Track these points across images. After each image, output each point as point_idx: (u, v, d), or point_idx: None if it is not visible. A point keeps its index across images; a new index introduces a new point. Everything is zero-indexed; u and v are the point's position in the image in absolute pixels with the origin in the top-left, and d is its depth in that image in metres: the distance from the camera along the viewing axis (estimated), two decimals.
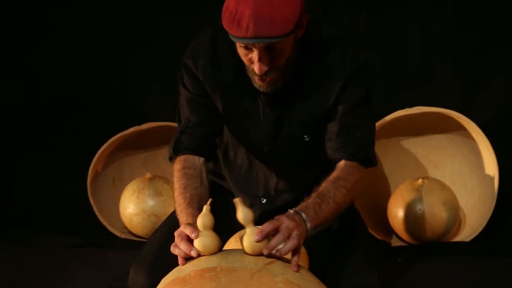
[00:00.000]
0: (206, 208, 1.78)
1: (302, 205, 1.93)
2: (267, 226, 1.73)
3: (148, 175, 3.59)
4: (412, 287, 2.65)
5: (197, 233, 1.74)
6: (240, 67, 2.08)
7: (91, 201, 3.64)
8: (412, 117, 3.36)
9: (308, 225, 1.86)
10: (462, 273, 2.81)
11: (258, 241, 1.71)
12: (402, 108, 3.36)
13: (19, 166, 4.10)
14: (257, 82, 2.07)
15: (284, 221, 1.78)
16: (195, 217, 1.91)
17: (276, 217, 1.80)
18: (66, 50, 4.10)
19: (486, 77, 3.66)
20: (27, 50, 4.16)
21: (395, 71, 3.78)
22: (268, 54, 1.95)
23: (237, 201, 1.75)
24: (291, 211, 1.86)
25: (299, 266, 1.76)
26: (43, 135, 4.12)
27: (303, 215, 1.86)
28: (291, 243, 1.75)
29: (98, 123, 4.02)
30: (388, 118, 3.35)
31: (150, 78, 4.04)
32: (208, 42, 2.20)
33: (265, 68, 1.97)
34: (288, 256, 1.75)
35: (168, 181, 3.55)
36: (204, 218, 1.76)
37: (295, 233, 1.76)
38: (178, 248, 1.76)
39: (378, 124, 3.33)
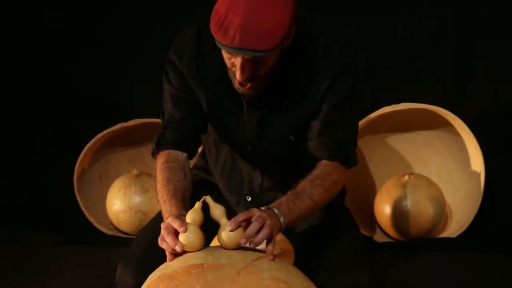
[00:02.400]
0: (198, 204, 1.80)
1: (275, 202, 1.96)
2: (239, 216, 1.76)
3: (134, 171, 3.59)
4: (399, 283, 2.65)
5: (185, 228, 1.76)
6: (225, 65, 2.06)
7: (78, 198, 3.62)
8: (398, 113, 3.37)
9: (281, 219, 1.88)
10: (448, 269, 2.81)
11: (231, 230, 1.73)
12: (389, 104, 3.36)
13: (5, 164, 4.07)
14: (237, 86, 2.06)
15: (256, 212, 1.81)
16: (179, 207, 1.93)
17: (249, 209, 1.83)
18: (51, 49, 4.08)
19: (472, 74, 3.67)
20: (12, 48, 4.14)
21: (381, 67, 3.78)
22: (251, 63, 1.94)
23: (207, 198, 1.79)
24: (263, 208, 1.88)
25: (284, 261, 1.77)
26: (29, 132, 4.10)
27: (275, 210, 1.89)
28: (264, 232, 1.77)
29: (85, 120, 4.00)
30: (374, 114, 3.35)
31: (136, 75, 4.03)
32: (193, 39, 2.19)
33: (246, 76, 1.97)
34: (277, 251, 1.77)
35: (155, 178, 3.53)
36: (194, 214, 1.78)
37: (267, 222, 1.79)
38: (165, 242, 1.78)
39: (364, 120, 3.34)
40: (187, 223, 1.78)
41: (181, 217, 1.83)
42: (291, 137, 2.22)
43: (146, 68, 3.91)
